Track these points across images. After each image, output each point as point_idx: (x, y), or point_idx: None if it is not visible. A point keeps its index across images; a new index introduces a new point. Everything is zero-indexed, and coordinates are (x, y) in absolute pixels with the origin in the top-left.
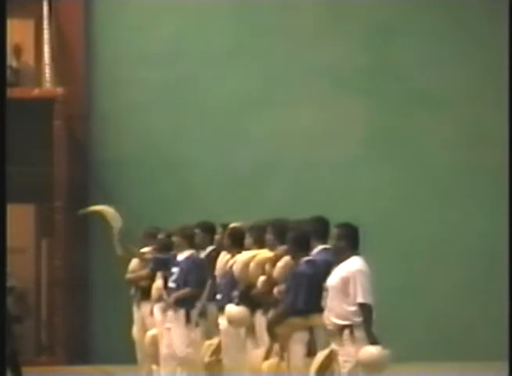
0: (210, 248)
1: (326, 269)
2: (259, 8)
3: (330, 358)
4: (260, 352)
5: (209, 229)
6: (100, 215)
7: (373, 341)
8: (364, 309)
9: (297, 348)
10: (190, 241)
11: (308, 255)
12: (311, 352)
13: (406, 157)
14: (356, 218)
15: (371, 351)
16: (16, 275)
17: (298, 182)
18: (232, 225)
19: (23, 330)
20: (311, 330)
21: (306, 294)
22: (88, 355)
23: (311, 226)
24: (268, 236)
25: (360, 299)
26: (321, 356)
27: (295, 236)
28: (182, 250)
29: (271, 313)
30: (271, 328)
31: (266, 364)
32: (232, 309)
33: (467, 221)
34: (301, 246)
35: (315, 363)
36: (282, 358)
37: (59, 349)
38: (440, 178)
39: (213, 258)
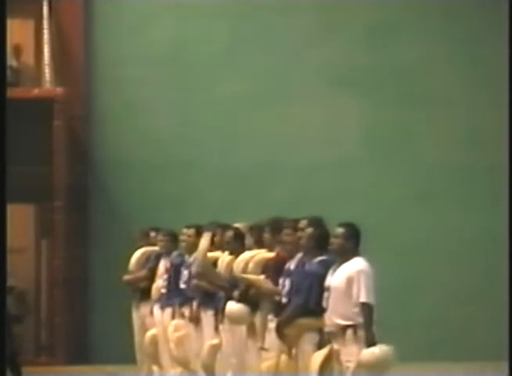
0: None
1: (329, 269)
2: (259, 8)
3: (329, 357)
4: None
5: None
6: None
7: (371, 342)
8: (366, 308)
9: (308, 348)
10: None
11: (321, 255)
12: None
13: (406, 157)
14: (356, 218)
15: (373, 351)
16: (16, 275)
17: (298, 182)
18: (235, 225)
19: (22, 330)
20: (320, 330)
21: (318, 295)
22: (88, 355)
23: (315, 227)
24: (266, 236)
25: (363, 299)
26: (319, 355)
27: (311, 235)
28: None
29: (280, 314)
30: (281, 329)
31: (266, 365)
32: (232, 306)
33: (467, 221)
34: (315, 246)
35: (314, 364)
36: (290, 356)
37: (58, 349)
38: (439, 178)
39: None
